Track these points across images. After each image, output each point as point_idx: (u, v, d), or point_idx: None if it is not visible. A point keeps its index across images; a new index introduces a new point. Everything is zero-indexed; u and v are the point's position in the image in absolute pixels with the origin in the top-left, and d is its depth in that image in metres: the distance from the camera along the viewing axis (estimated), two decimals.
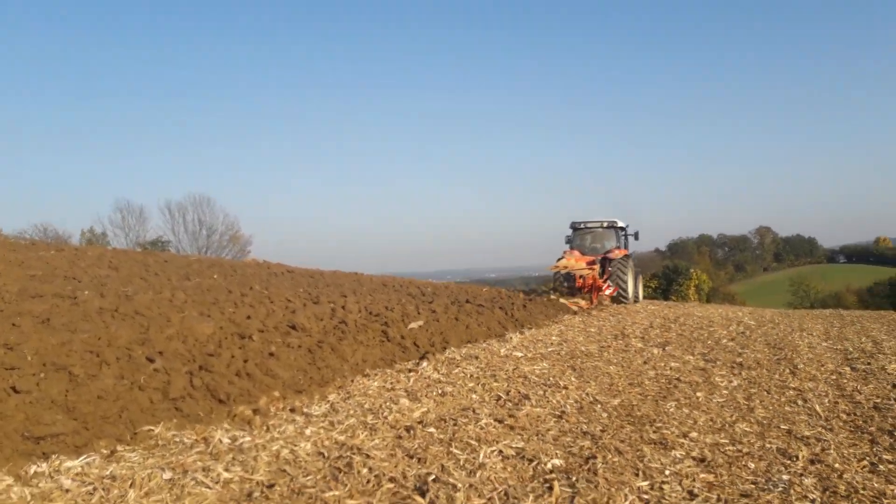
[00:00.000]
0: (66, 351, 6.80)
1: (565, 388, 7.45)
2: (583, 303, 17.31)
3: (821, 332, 15.28)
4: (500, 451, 5.02)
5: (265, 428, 5.39)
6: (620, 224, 20.33)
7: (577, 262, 17.58)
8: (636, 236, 20.57)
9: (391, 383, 7.26)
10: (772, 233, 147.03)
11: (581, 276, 17.71)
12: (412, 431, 5.42)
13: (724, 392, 7.78)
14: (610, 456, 5.06)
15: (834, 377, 8.79)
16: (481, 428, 5.61)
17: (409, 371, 7.90)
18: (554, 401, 6.82)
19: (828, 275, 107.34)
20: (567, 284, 18.53)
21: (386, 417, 5.82)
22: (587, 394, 7.25)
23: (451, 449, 4.97)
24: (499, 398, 6.83)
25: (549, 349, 10.14)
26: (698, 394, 7.60)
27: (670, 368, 9.11)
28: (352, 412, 6.01)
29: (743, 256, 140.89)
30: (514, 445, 5.19)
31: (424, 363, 8.29)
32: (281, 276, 17.57)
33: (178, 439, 4.90)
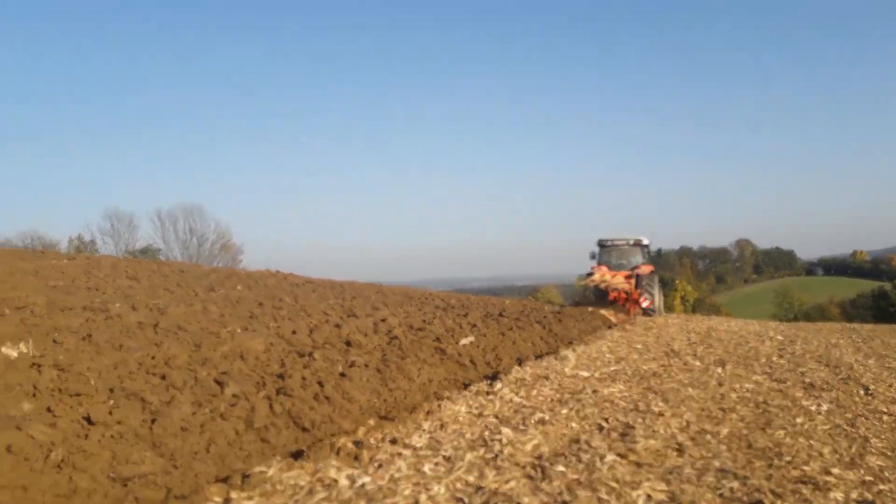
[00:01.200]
0: (126, 373, 6.14)
1: (661, 414, 6.91)
2: (621, 315, 18.27)
3: (852, 349, 14.97)
4: (650, 497, 4.44)
5: (376, 465, 4.76)
6: (645, 241, 21.52)
7: (614, 278, 19.07)
8: (658, 253, 22.18)
9: (477, 408, 6.67)
10: (751, 245, 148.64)
11: (617, 290, 19.11)
12: (541, 471, 4.82)
13: (821, 417, 7.30)
14: (773, 500, 4.50)
15: None
16: (609, 466, 5.03)
17: (487, 393, 7.32)
18: (661, 430, 6.26)
19: (808, 287, 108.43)
20: (595, 298, 19.75)
21: (500, 452, 5.21)
22: (687, 421, 6.70)
23: (599, 495, 4.38)
24: (601, 427, 6.26)
25: (611, 368, 9.62)
26: (798, 419, 7.11)
27: (748, 391, 8.61)
28: (456, 444, 5.41)
29: (723, 268, 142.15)
30: (658, 488, 4.62)
31: (498, 384, 7.70)
32: (302, 286, 16.90)
33: (291, 481, 4.25)
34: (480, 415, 6.48)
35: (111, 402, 5.27)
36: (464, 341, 10.06)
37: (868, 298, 77.04)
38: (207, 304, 11.18)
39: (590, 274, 19.68)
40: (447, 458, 4.97)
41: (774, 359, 11.95)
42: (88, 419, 4.80)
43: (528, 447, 5.42)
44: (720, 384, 8.87)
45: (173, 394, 5.68)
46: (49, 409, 4.86)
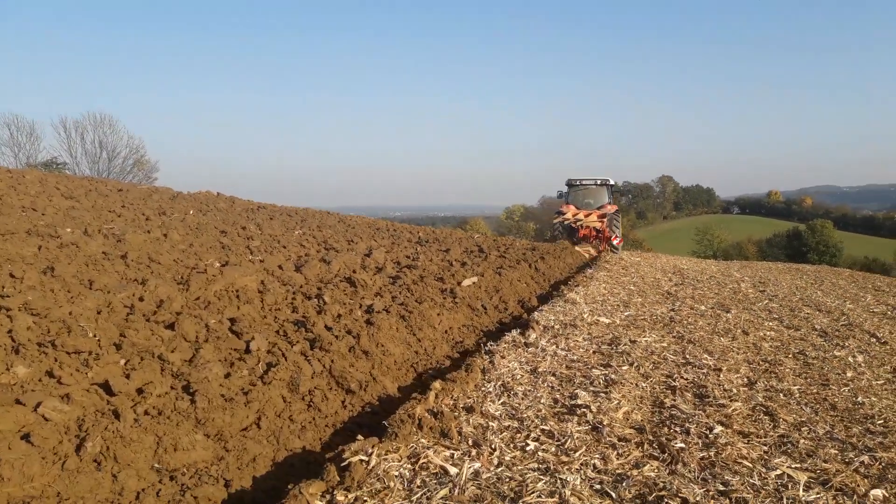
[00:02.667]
0: (121, 321, 5.02)
1: (716, 369, 6.35)
2: (593, 251, 19.09)
3: (820, 291, 15.05)
4: (791, 478, 3.80)
5: (469, 442, 3.93)
6: (611, 182, 22.14)
7: (588, 217, 19.86)
8: (622, 193, 23.39)
9: (527, 363, 5.92)
10: (673, 182, 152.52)
11: (588, 227, 19.83)
12: (659, 447, 4.11)
13: (867, 372, 6.93)
14: None
15: None
16: (725, 440, 4.36)
17: (526, 345, 6.55)
18: (732, 389, 5.68)
19: (725, 225, 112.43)
20: (565, 234, 20.13)
21: (598, 423, 4.47)
22: (747, 378, 6.17)
23: (749, 480, 3.70)
24: (671, 387, 5.62)
25: (625, 313, 9.05)
26: (848, 374, 6.73)
27: (774, 339, 8.23)
28: (538, 411, 4.63)
29: (645, 204, 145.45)
30: (794, 467, 3.99)
31: (532, 334, 6.95)
32: (257, 212, 15.53)
33: (395, 471, 3.36)
34: (535, 371, 5.72)
35: (123, 361, 4.18)
36: (466, 282, 9.23)
37: (783, 238, 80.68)
38: (167, 231, 9.88)
39: (560, 212, 20.64)
40: (548, 434, 4.19)
41: (765, 303, 11.71)
42: (107, 388, 3.73)
43: (619, 415, 4.69)
44: (745, 332, 8.44)
45: (193, 349, 4.62)
46: (50, 374, 3.75)
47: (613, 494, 3.34)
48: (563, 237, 19.81)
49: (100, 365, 4.00)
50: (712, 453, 4.06)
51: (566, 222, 20.05)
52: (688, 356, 6.78)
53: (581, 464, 3.70)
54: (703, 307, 10.33)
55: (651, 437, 4.26)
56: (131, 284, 6.26)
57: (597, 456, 3.85)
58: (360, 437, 3.78)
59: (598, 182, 22.01)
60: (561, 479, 3.45)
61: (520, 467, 3.63)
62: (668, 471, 3.74)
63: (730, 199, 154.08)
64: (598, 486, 3.43)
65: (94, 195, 13.37)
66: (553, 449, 3.93)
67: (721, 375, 6.14)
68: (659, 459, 3.92)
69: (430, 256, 11.46)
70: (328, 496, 3.05)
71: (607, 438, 4.19)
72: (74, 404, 3.46)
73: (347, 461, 3.27)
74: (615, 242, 20.24)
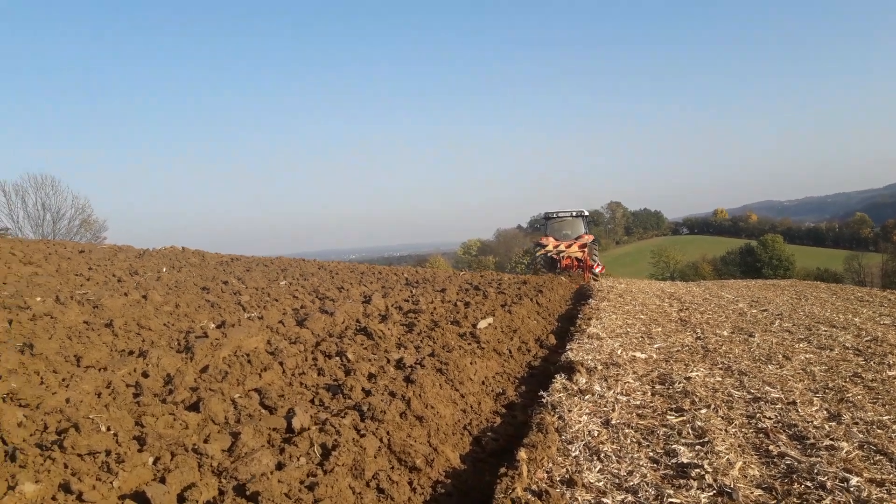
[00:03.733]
0: (126, 404, 4.17)
1: (792, 404, 5.77)
2: (578, 280, 19.07)
3: (818, 307, 14.80)
4: None
5: None
6: (586, 213, 23.16)
7: (569, 248, 20.28)
8: (596, 222, 24.53)
9: (593, 414, 5.22)
10: (622, 207, 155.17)
11: (570, 258, 20.25)
12: None
13: None
14: None
15: None
16: (859, 490, 3.74)
17: (581, 392, 5.88)
18: (825, 427, 5.09)
19: (677, 246, 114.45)
20: (545, 266, 20.53)
21: (714, 485, 3.79)
22: (828, 412, 5.59)
23: None
24: (763, 431, 4.99)
25: (656, 345, 8.48)
26: None
27: (816, 363, 7.72)
28: (645, 476, 3.93)
29: (597, 231, 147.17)
30: None
31: (581, 379, 6.27)
32: (230, 264, 14.55)
33: None
34: (608, 423, 5.04)
35: (152, 460, 3.34)
36: (482, 324, 8.54)
37: (736, 255, 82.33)
38: (146, 292, 8.94)
39: (540, 244, 21.15)
40: None
41: (777, 322, 11.30)
42: (144, 500, 2.89)
43: (736, 472, 4.02)
44: (787, 358, 7.92)
45: (230, 436, 3.79)
46: (67, 488, 2.91)
47: None
48: (544, 269, 20.15)
49: (126, 469, 3.15)
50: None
51: (548, 254, 20.42)
52: (752, 391, 6.19)
53: None
54: (724, 332, 9.83)
55: (797, 501, 3.59)
56: (127, 358, 5.38)
57: None
58: None
59: (574, 213, 22.73)
60: None
61: None
62: None
63: (678, 219, 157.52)
64: None
65: (56, 258, 12.27)
66: None
67: (800, 410, 5.56)
68: None
69: (430, 298, 10.74)
70: None
71: None
72: None
73: None
74: (597, 270, 20.73)
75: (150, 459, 3.34)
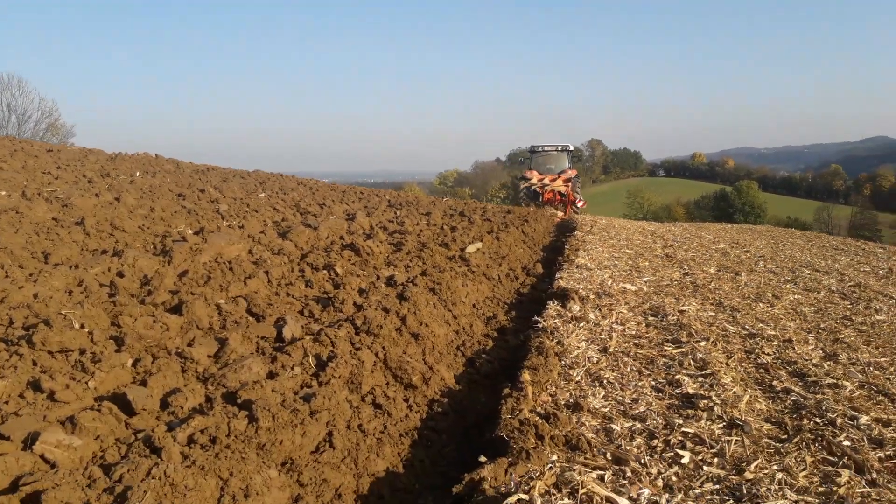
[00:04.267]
0: (106, 303, 3.86)
1: (788, 342, 5.66)
2: (560, 213, 19.07)
3: (797, 250, 14.82)
4: None
5: (608, 457, 3.03)
6: (571, 147, 23.28)
7: (554, 181, 20.39)
8: (580, 158, 24.55)
9: (590, 342, 5.04)
10: (602, 145, 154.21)
11: (553, 192, 20.29)
12: (814, 446, 3.32)
13: None
14: None
15: None
16: (869, 428, 3.63)
17: (576, 320, 5.70)
18: (823, 366, 4.99)
19: (653, 188, 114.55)
20: (529, 198, 20.34)
21: (724, 416, 3.65)
22: (824, 351, 5.49)
23: None
24: (764, 367, 4.86)
25: (644, 278, 8.35)
26: None
27: (805, 304, 7.65)
28: (650, 404, 3.77)
29: (577, 167, 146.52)
30: None
31: (575, 306, 6.09)
32: (208, 173, 14.01)
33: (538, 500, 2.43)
34: (606, 351, 4.88)
35: (131, 362, 3.06)
36: (470, 248, 8.28)
37: (710, 200, 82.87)
38: (119, 194, 8.49)
39: (525, 177, 21.18)
40: (694, 440, 3.32)
41: (761, 264, 11.25)
42: (124, 403, 2.63)
43: (743, 405, 3.88)
44: (776, 297, 7.83)
45: (216, 341, 3.52)
46: (37, 386, 2.62)
47: None
48: (527, 202, 19.94)
49: (103, 369, 2.87)
50: (890, 452, 3.29)
51: (532, 187, 20.37)
52: (746, 327, 6.08)
53: (770, 481, 2.84)
54: (711, 270, 9.74)
55: (811, 436, 3.45)
56: (101, 257, 5.03)
57: (774, 467, 3.01)
58: (482, 457, 2.81)
59: (559, 148, 22.67)
60: None
61: (696, 491, 2.75)
62: (864, 481, 2.94)
63: (656, 161, 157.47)
64: None
65: (22, 155, 11.64)
66: (716, 461, 3.07)
67: (797, 348, 5.46)
68: (837, 465, 3.11)
69: (415, 221, 10.44)
70: None
71: (761, 441, 3.36)
72: (85, 434, 2.35)
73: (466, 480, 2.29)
74: (579, 205, 20.75)
75: (130, 361, 3.05)
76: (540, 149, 22.92)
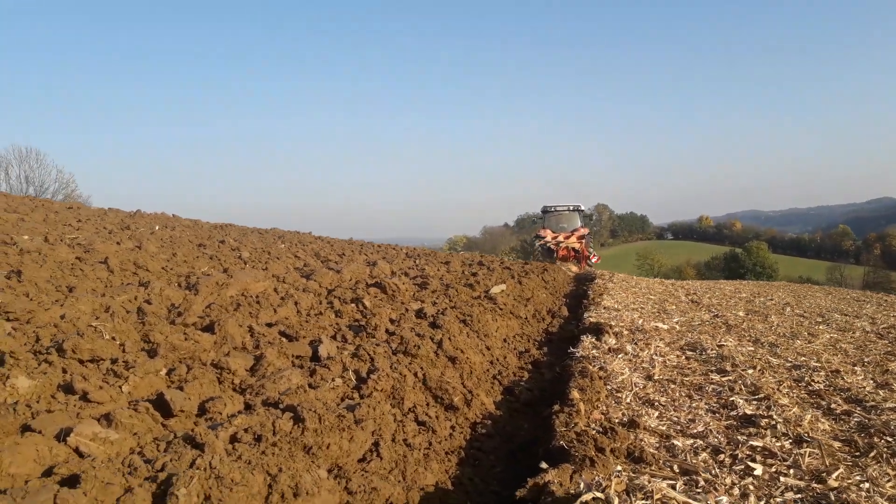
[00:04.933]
0: (135, 323, 3.72)
1: (836, 372, 5.41)
2: (574, 268, 19.55)
3: (818, 299, 14.53)
4: None
5: (675, 469, 2.81)
6: (582, 207, 24.24)
7: (568, 239, 21.22)
8: (591, 218, 25.66)
9: (633, 370, 4.83)
10: (609, 210, 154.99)
11: (567, 249, 21.16)
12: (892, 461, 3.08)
13: None
14: None
15: None
16: None
17: (614, 351, 5.50)
18: (879, 393, 4.74)
19: (662, 250, 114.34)
20: (543, 255, 21.07)
21: (789, 434, 3.42)
22: (874, 381, 5.24)
23: None
24: (817, 393, 4.62)
25: (676, 319, 8.09)
26: None
27: (842, 341, 7.38)
28: (707, 423, 3.55)
29: (587, 227, 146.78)
30: None
31: (609, 339, 5.89)
32: (226, 228, 14.03)
33: None
34: (651, 378, 4.67)
35: (165, 371, 2.90)
36: (495, 289, 8.13)
37: (720, 260, 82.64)
38: (140, 243, 8.43)
39: (539, 236, 22.17)
40: (763, 453, 3.10)
41: (789, 309, 11.00)
42: (162, 405, 2.46)
43: (806, 424, 3.64)
44: (812, 335, 7.59)
45: (252, 356, 3.35)
46: (69, 388, 2.47)
47: None
48: (542, 258, 20.42)
49: (137, 375, 2.71)
50: None
51: (546, 244, 21.14)
52: (789, 360, 5.84)
53: (858, 489, 2.61)
54: (740, 313, 9.51)
55: (888, 452, 3.21)
56: (127, 287, 4.90)
57: (857, 477, 2.78)
58: (543, 464, 2.60)
59: (571, 208, 23.60)
60: None
61: (778, 499, 2.52)
62: None
63: (663, 225, 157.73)
64: None
65: (43, 210, 11.69)
66: (792, 472, 2.84)
67: (846, 378, 5.20)
68: None
69: (435, 268, 10.32)
70: None
71: (835, 455, 3.12)
72: (122, 429, 2.18)
73: (581, 502, 2.08)
74: (593, 260, 21.38)
75: (164, 370, 2.89)
76: (552, 209, 23.73)
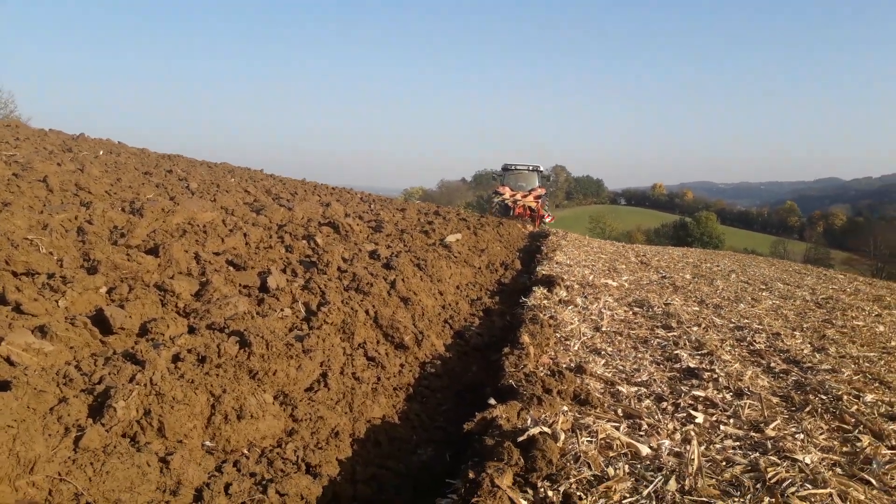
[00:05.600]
0: (75, 241, 3.56)
1: (777, 335, 5.58)
2: (529, 227, 19.67)
3: (764, 266, 14.95)
4: None
5: (619, 412, 2.85)
6: (541, 168, 24.54)
7: (525, 198, 21.41)
8: (548, 178, 26.16)
9: (582, 321, 4.88)
10: (566, 172, 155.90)
11: (523, 206, 21.28)
12: (826, 416, 3.19)
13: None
14: None
15: None
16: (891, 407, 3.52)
17: (564, 303, 5.54)
18: (815, 356, 4.90)
19: (614, 215, 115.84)
20: (500, 212, 21.10)
21: (731, 387, 3.50)
22: (812, 345, 5.42)
23: None
24: (758, 352, 4.75)
25: (625, 277, 8.21)
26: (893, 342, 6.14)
27: (784, 308, 7.62)
28: (652, 373, 3.60)
29: (545, 187, 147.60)
30: None
31: (561, 291, 5.93)
32: (174, 158, 13.58)
33: (587, 450, 2.22)
34: (599, 329, 4.72)
35: (105, 289, 2.78)
36: (450, 238, 8.10)
37: (670, 228, 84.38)
38: (83, 165, 8.09)
39: (497, 192, 22.21)
40: (705, 403, 3.16)
41: (733, 276, 11.29)
42: (101, 321, 2.35)
43: (747, 379, 3.74)
44: (755, 300, 7.80)
45: (197, 281, 3.24)
46: (1, 298, 2.32)
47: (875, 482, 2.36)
48: (498, 214, 20.66)
49: (75, 290, 2.58)
50: None
51: (504, 201, 21.38)
52: (732, 321, 5.99)
53: (793, 439, 2.69)
54: (687, 276, 9.71)
55: (822, 408, 3.31)
56: (68, 206, 4.69)
57: (792, 428, 2.86)
58: (492, 400, 2.60)
59: (531, 168, 24.00)
60: (799, 461, 2.42)
61: (718, 445, 2.58)
62: (885, 446, 2.81)
63: (617, 190, 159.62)
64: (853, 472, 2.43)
65: None
66: (732, 421, 2.91)
67: (786, 341, 5.36)
68: (853, 432, 2.98)
69: (391, 214, 10.21)
70: (530, 490, 1.87)
71: (774, 409, 3.21)
72: (58, 341, 2.07)
73: (528, 435, 2.08)
74: (547, 220, 21.75)
75: (104, 288, 2.77)
76: (513, 167, 24.25)
